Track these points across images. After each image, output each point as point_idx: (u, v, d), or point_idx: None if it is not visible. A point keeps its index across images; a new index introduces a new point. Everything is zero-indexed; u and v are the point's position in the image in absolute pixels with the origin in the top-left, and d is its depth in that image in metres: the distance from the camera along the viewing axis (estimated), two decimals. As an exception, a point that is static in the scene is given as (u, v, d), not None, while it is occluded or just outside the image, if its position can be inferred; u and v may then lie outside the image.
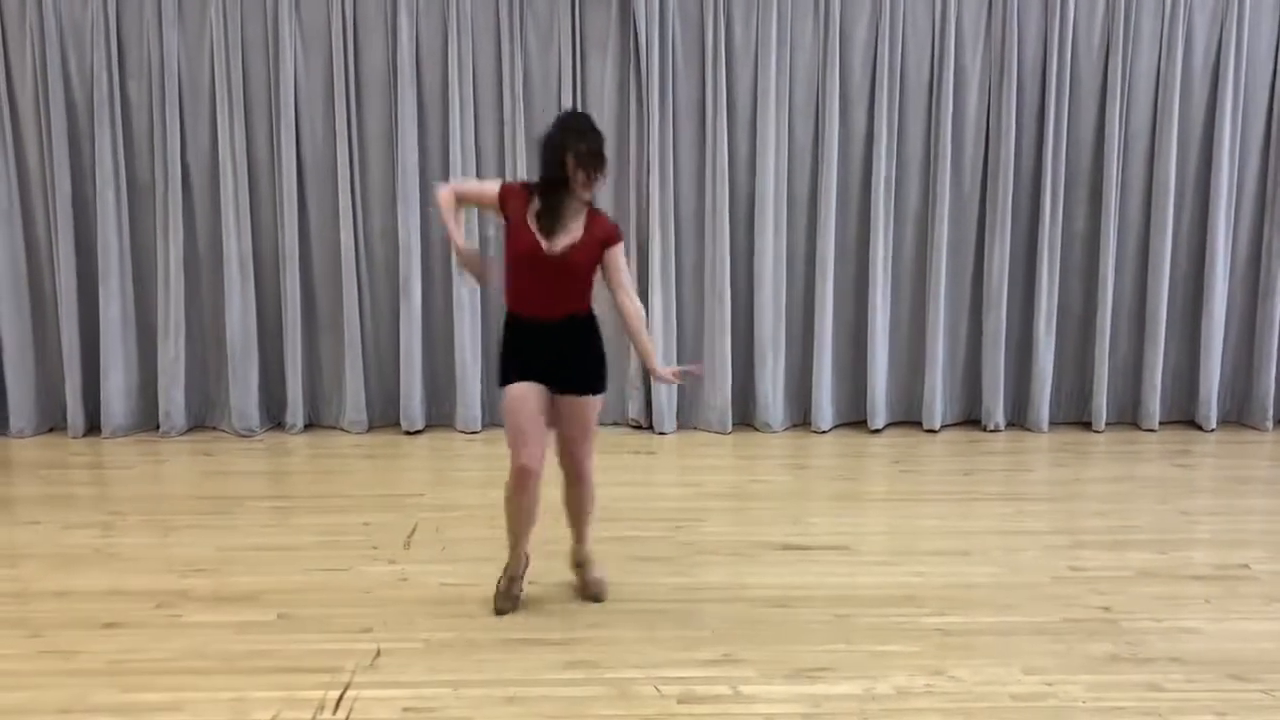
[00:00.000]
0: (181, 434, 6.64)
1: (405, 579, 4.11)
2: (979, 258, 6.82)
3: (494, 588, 3.97)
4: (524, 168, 6.57)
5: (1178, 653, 3.57)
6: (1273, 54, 6.63)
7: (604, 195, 6.62)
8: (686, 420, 6.91)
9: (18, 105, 6.45)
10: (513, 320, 3.78)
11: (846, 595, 4.06)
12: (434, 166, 6.62)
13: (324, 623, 3.78)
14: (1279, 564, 4.44)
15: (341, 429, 6.75)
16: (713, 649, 3.57)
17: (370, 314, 6.75)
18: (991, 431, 6.81)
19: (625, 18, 6.55)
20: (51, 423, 6.76)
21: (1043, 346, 6.79)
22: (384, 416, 6.82)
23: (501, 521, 3.91)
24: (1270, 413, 6.86)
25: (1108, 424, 6.86)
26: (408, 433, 6.67)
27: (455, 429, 6.75)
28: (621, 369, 6.87)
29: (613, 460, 6.23)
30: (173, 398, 6.63)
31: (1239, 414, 7.00)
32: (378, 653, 3.52)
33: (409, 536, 4.68)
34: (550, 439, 3.85)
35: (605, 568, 4.12)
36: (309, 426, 6.75)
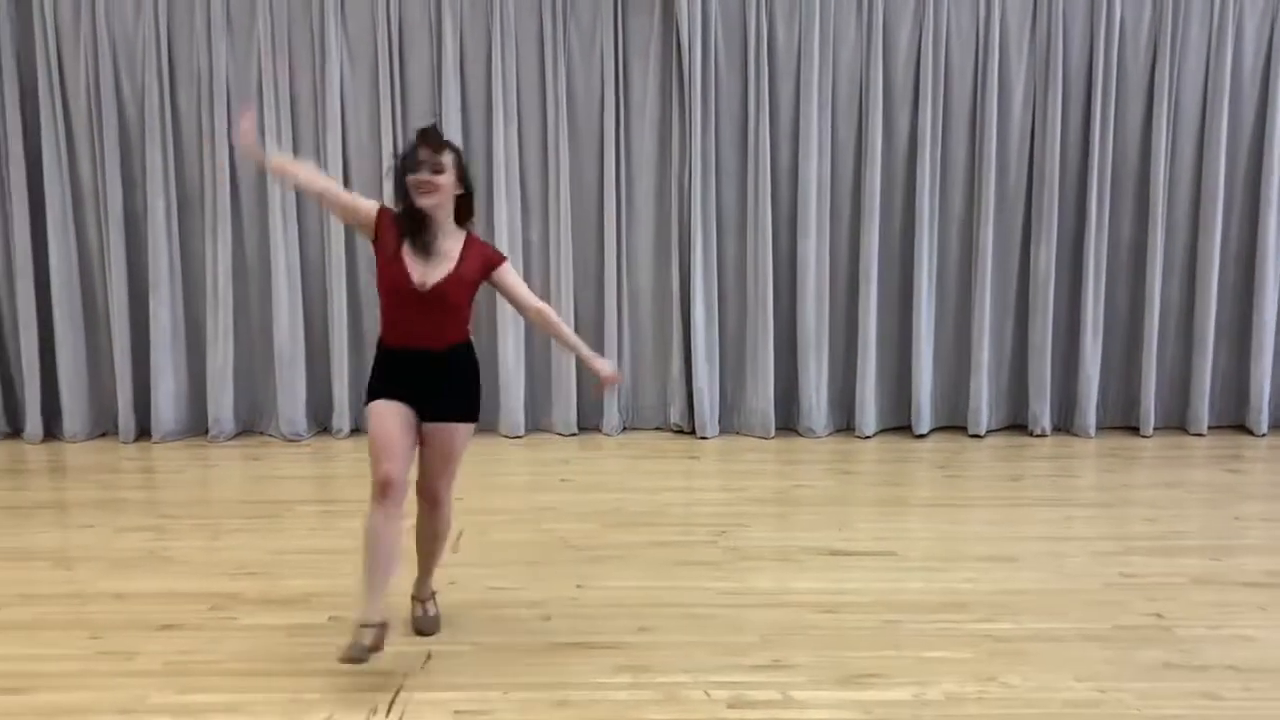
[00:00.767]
0: (230, 439, 6.74)
1: (453, 582, 4.13)
2: (1024, 261, 6.77)
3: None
4: (567, 175, 6.61)
5: (1233, 660, 3.51)
6: (1325, 53, 6.55)
7: (648, 199, 6.68)
8: (729, 425, 6.91)
9: (71, 119, 6.59)
10: (384, 350, 3.54)
11: (894, 601, 4.04)
12: (477, 173, 6.66)
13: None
14: (1335, 571, 4.38)
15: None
16: (761, 654, 3.56)
17: (415, 321, 6.79)
18: (1037, 436, 6.76)
19: (668, 22, 6.58)
20: (103, 428, 6.89)
21: (1089, 351, 6.73)
22: (429, 422, 6.87)
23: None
24: (1324, 417, 6.77)
25: (1155, 429, 6.79)
26: (452, 438, 6.71)
27: (499, 434, 6.80)
28: (662, 373, 6.90)
29: (656, 465, 6.25)
30: (221, 404, 6.73)
31: (1292, 419, 6.91)
32: (428, 656, 3.55)
33: (455, 540, 4.71)
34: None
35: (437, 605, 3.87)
36: (354, 432, 6.81)
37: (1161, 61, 6.52)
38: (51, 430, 6.80)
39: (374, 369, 3.58)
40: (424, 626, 3.76)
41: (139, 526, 5.02)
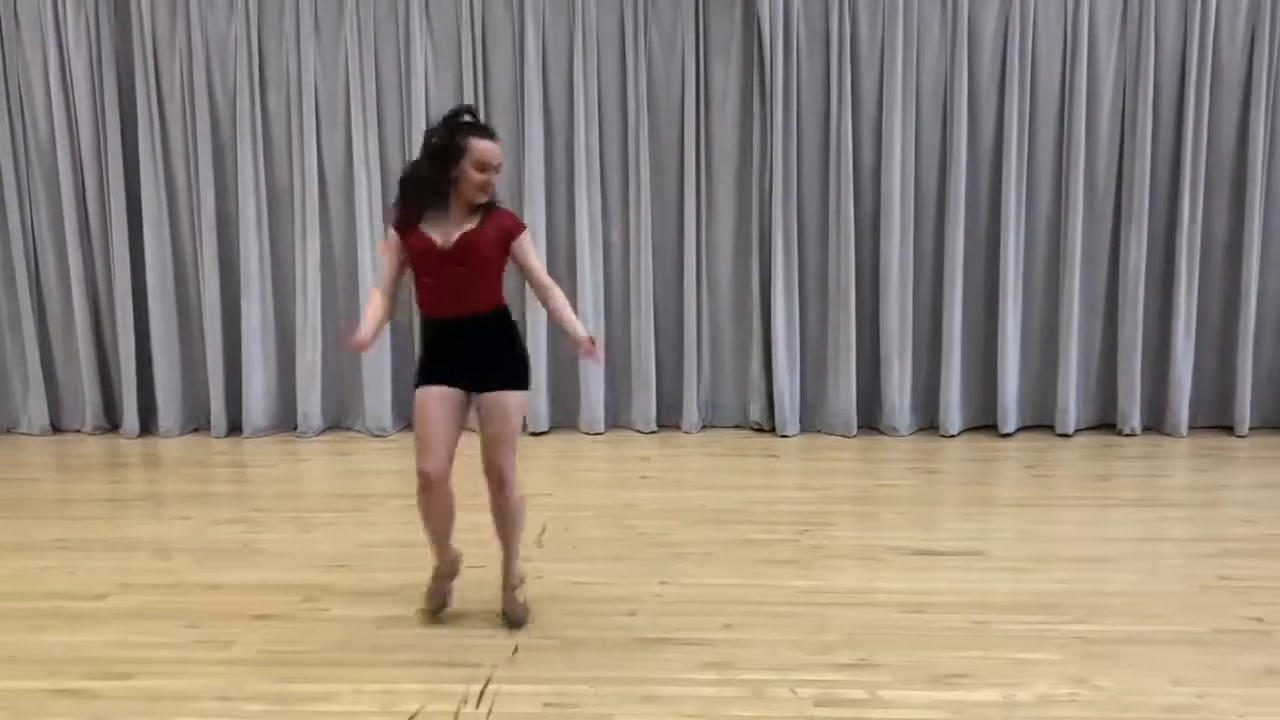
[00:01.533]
0: (318, 434, 6.88)
1: (540, 576, 4.17)
2: (1113, 259, 6.63)
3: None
4: (647, 174, 6.63)
5: (1338, 668, 3.41)
6: None
7: (728, 198, 6.67)
8: (809, 424, 6.87)
9: (167, 122, 6.77)
10: (425, 323, 3.70)
11: (981, 601, 3.98)
12: (559, 173, 6.73)
13: (463, 618, 3.87)
14: None
15: (469, 429, 6.87)
16: (847, 653, 3.54)
17: (497, 318, 6.87)
18: (1127, 436, 6.62)
19: (750, 20, 6.56)
20: (196, 423, 7.08)
21: (1181, 351, 6.57)
22: (510, 419, 6.94)
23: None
24: None
25: (1251, 429, 6.60)
26: (534, 434, 6.78)
27: (579, 430, 6.85)
28: (742, 371, 6.89)
29: (736, 463, 6.24)
30: (310, 400, 6.87)
31: (1395, 420, 6.67)
32: (516, 649, 3.59)
33: (540, 535, 4.76)
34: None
35: (528, 593, 3.92)
36: (438, 428, 6.90)
37: (1260, 52, 6.32)
38: (147, 426, 7.01)
39: (421, 346, 3.75)
40: (513, 613, 3.80)
41: (232, 519, 5.15)
